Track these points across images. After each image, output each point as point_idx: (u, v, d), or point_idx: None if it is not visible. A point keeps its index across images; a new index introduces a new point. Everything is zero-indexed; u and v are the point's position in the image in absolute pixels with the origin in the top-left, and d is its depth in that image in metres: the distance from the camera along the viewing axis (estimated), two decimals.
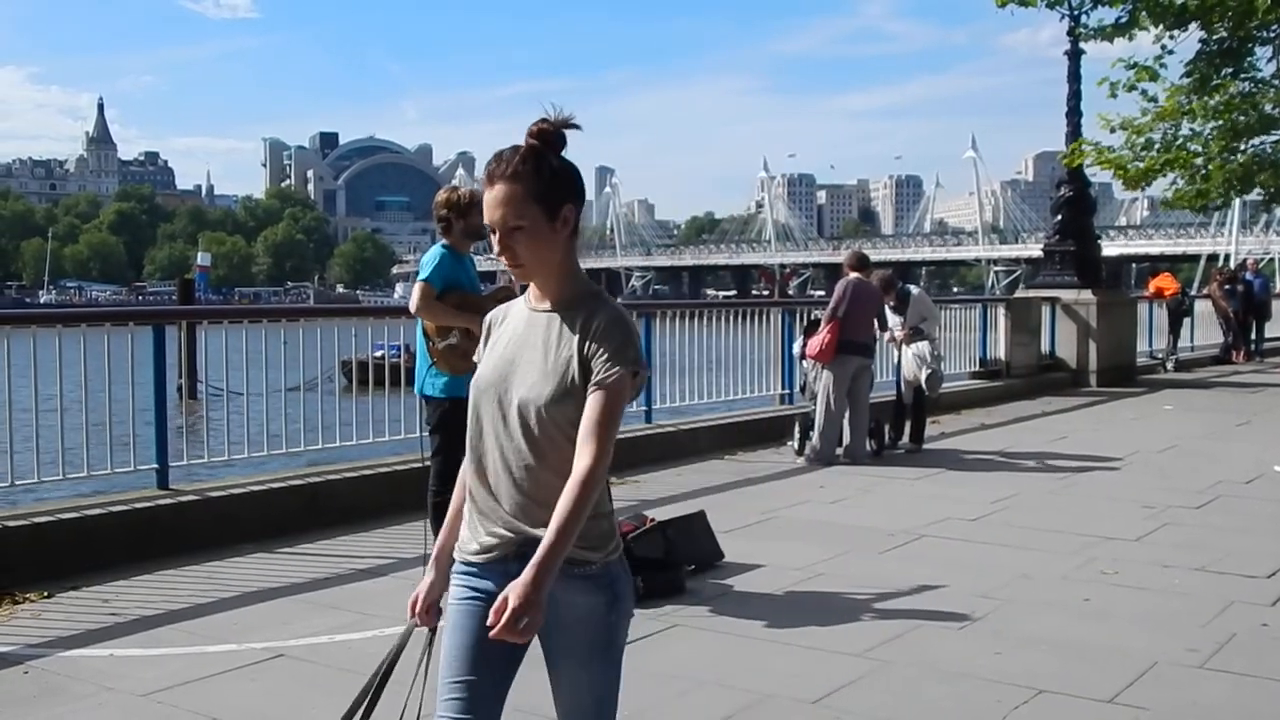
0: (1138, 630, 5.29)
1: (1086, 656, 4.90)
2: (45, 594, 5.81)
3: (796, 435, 10.38)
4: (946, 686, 4.58)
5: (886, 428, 10.80)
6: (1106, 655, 4.91)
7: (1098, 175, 18.42)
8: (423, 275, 5.92)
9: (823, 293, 49.71)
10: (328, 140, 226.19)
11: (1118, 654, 4.92)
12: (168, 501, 6.94)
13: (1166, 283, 21.60)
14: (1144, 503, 8.21)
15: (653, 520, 6.45)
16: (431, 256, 6.01)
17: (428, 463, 6.11)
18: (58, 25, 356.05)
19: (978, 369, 15.62)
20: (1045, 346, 17.15)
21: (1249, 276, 23.50)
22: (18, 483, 6.66)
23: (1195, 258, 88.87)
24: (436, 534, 6.16)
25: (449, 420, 5.98)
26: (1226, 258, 70.31)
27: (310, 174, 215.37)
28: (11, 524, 6.20)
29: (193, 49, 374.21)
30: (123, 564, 6.27)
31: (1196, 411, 14.34)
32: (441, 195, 6.14)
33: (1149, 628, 5.33)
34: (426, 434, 6.19)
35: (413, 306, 5.95)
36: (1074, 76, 17.41)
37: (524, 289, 2.64)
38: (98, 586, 5.95)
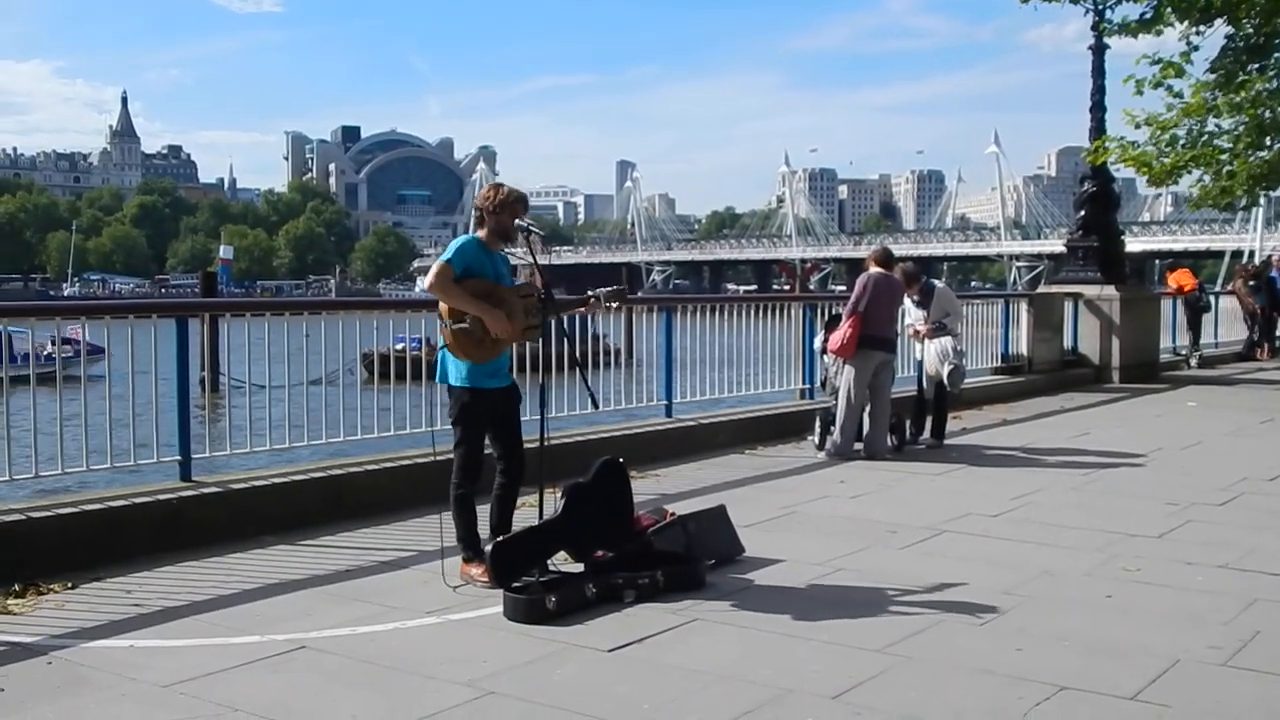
0: (1160, 627, 5.27)
1: (1109, 654, 4.88)
2: (69, 585, 5.85)
3: (817, 430, 10.37)
4: (968, 682, 4.56)
5: (907, 423, 10.77)
6: (1129, 652, 4.89)
7: (1121, 171, 18.30)
8: (444, 256, 5.88)
9: (844, 288, 49.56)
10: (350, 134, 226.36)
11: (1140, 651, 4.90)
12: (190, 493, 6.97)
13: (1184, 278, 21.45)
14: (1167, 500, 8.17)
15: (673, 514, 6.46)
16: (458, 241, 5.98)
17: (438, 457, 6.13)
18: (85, 20, 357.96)
19: (1000, 365, 15.56)
20: (1068, 342, 17.08)
21: (1274, 274, 23.34)
22: (42, 474, 6.70)
23: (1220, 254, 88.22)
24: (459, 526, 6.23)
25: (469, 412, 5.98)
26: (1251, 254, 69.72)
27: (332, 168, 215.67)
28: (36, 515, 6.25)
29: (217, 43, 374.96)
30: (146, 555, 6.32)
31: (1220, 408, 14.25)
32: (484, 190, 6.15)
33: (1172, 625, 5.31)
34: (446, 425, 6.17)
35: (426, 283, 5.91)
36: (1098, 72, 17.32)
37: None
38: (121, 578, 5.99)
